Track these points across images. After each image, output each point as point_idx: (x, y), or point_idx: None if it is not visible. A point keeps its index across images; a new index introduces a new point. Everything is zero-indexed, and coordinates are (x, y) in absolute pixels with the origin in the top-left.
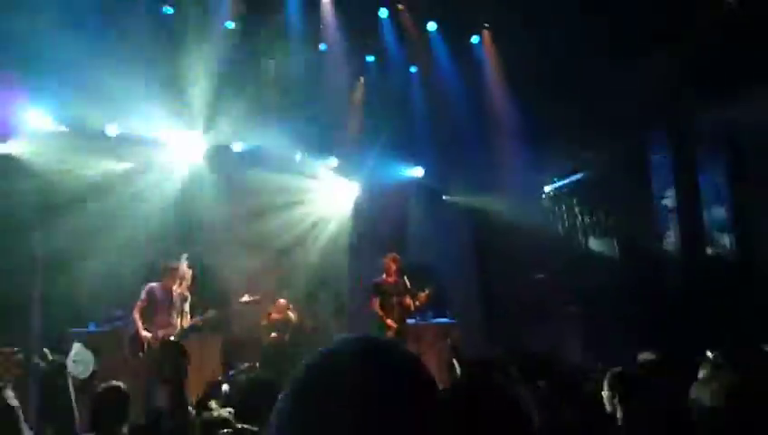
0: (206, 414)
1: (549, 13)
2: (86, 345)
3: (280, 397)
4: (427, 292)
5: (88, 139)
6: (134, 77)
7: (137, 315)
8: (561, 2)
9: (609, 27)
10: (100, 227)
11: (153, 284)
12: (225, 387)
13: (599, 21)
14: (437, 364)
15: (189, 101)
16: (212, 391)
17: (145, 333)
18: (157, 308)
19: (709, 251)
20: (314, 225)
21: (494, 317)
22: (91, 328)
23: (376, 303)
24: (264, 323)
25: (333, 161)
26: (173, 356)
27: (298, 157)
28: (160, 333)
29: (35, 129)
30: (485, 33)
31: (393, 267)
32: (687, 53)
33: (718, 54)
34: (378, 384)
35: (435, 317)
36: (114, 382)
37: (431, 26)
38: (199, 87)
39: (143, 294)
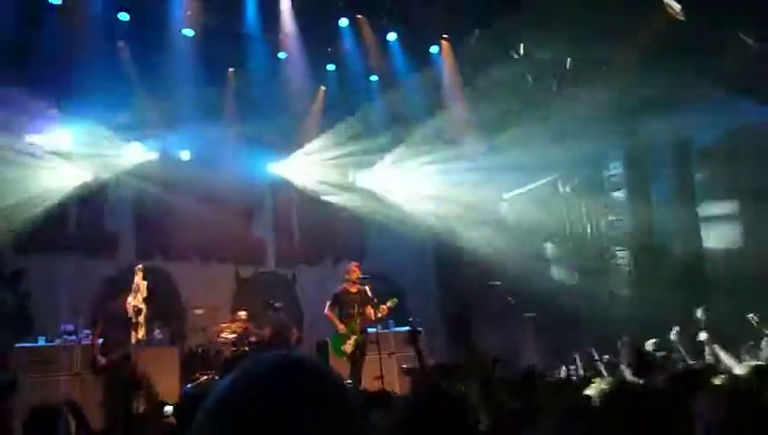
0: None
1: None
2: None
3: (197, 417)
4: (389, 304)
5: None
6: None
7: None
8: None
9: (565, 42)
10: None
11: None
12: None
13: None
14: (398, 372)
15: (142, 109)
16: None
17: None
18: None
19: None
20: (275, 234)
21: (453, 325)
22: (41, 342)
23: (332, 311)
24: (224, 335)
25: (291, 169)
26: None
27: (256, 164)
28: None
29: None
30: (444, 43)
31: (354, 276)
32: (636, 64)
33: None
34: (285, 410)
35: (396, 326)
36: (45, 402)
37: (391, 36)
38: (154, 94)
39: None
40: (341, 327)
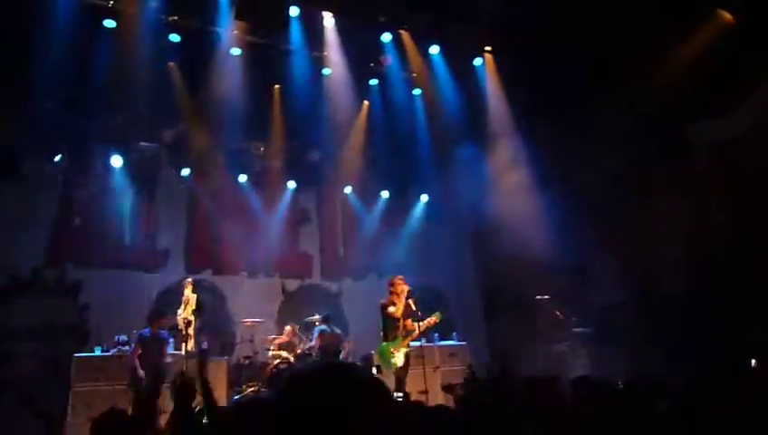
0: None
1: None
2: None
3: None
4: (434, 319)
5: None
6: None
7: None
8: (558, 27)
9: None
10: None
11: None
12: None
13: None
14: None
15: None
16: None
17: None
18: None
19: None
20: (321, 248)
21: (498, 339)
22: (97, 352)
23: (391, 313)
24: (272, 347)
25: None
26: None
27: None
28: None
29: None
30: (487, 56)
31: (399, 289)
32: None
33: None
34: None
35: (441, 339)
36: (116, 407)
37: (433, 50)
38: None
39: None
40: (404, 341)
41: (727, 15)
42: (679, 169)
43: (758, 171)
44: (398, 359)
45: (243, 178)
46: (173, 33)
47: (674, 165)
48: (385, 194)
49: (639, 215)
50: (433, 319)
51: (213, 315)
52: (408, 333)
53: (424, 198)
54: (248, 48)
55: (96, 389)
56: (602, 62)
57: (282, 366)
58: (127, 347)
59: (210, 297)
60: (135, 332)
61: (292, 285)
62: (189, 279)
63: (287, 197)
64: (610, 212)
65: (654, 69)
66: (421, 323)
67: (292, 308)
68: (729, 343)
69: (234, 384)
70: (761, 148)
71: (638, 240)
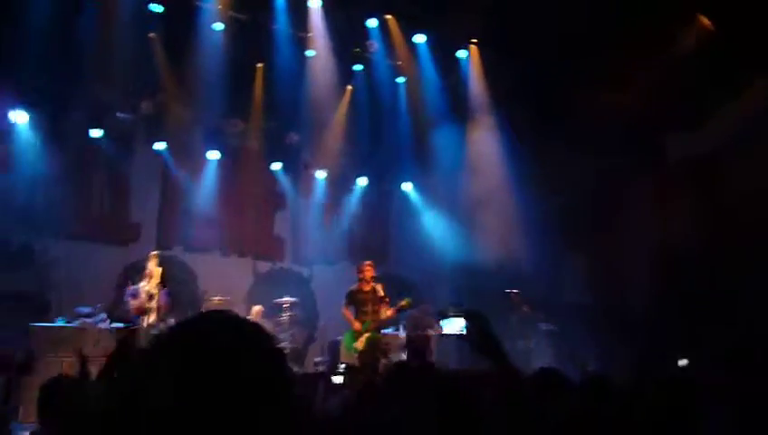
0: None
1: (534, 30)
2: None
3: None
4: (403, 303)
5: None
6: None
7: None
8: (545, 23)
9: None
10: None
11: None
12: None
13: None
14: None
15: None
16: None
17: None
18: None
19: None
20: (293, 232)
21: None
22: (59, 323)
23: (348, 309)
24: None
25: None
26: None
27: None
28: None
29: None
30: (473, 47)
31: (368, 275)
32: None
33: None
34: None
35: None
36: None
37: (419, 38)
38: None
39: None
40: (357, 325)
41: (706, 21)
42: (652, 181)
43: (728, 187)
44: (360, 343)
45: (218, 155)
46: (154, 3)
47: (647, 176)
48: (362, 181)
49: (611, 221)
50: (403, 303)
51: (180, 292)
52: (377, 317)
53: (405, 186)
54: (231, 23)
55: (53, 360)
56: (584, 66)
57: None
58: (89, 319)
59: (180, 274)
60: (99, 305)
61: (264, 267)
62: (154, 253)
63: (263, 177)
64: (583, 216)
65: (632, 78)
66: (389, 311)
67: (262, 290)
68: (687, 349)
69: None
70: (731, 163)
71: (609, 245)
